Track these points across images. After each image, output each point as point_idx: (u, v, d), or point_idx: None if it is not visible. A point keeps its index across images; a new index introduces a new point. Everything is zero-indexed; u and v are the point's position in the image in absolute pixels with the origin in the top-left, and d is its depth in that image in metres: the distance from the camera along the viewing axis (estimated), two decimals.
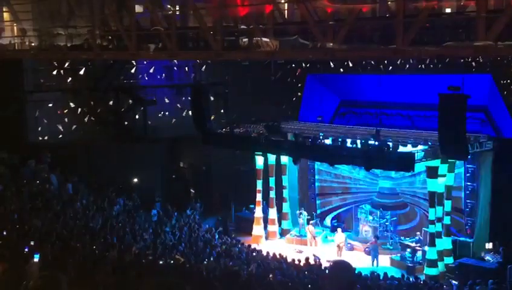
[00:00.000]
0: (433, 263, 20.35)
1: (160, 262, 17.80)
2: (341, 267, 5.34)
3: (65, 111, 27.27)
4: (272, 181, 25.60)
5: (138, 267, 16.31)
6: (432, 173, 20.33)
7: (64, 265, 15.64)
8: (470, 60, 24.63)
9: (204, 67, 29.44)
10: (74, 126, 27.44)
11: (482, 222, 21.96)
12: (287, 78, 30.12)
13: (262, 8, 17.32)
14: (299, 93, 28.45)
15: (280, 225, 26.09)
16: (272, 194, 25.66)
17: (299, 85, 28.89)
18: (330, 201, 26.77)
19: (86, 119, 27.75)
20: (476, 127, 21.90)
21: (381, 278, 18.03)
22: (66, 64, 26.84)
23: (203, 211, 26.81)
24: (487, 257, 20.91)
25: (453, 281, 19.32)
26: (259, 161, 25.09)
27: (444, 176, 20.68)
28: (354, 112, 26.66)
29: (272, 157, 25.20)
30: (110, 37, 21.44)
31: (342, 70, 28.38)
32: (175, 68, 29.34)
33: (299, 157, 23.21)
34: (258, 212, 25.34)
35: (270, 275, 16.86)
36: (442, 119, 17.32)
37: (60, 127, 27.22)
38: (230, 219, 26.60)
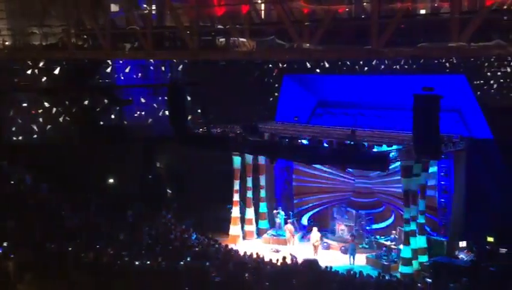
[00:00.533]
0: (408, 262, 20.57)
1: (136, 263, 17.72)
2: (308, 265, 5.41)
3: (40, 111, 26.98)
4: (249, 181, 25.64)
5: (114, 268, 16.24)
6: (407, 172, 20.55)
7: (39, 266, 15.50)
8: (443, 60, 24.94)
9: (181, 66, 29.36)
10: (49, 126, 27.16)
11: (455, 221, 22.25)
12: (263, 78, 30.17)
13: (239, 8, 17.36)
14: (276, 94, 28.51)
15: (257, 224, 26.14)
16: (249, 194, 25.70)
17: (276, 85, 28.94)
18: (307, 201, 26.90)
19: (61, 119, 27.49)
20: (450, 127, 22.16)
21: (357, 276, 18.16)
22: (41, 64, 26.56)
23: (179, 211, 26.72)
24: (461, 255, 21.22)
25: (428, 279, 19.55)
26: (237, 161, 25.11)
27: (418, 175, 20.93)
28: (330, 112, 26.81)
29: (249, 158, 25.23)
30: (85, 36, 21.28)
31: (318, 70, 28.52)
32: (151, 68, 29.21)
33: (276, 158, 23.28)
34: (235, 212, 25.36)
35: (246, 275, 16.90)
36: (416, 119, 17.53)
37: (35, 127, 26.93)
38: (208, 219, 26.54)
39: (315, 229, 23.83)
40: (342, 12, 17.34)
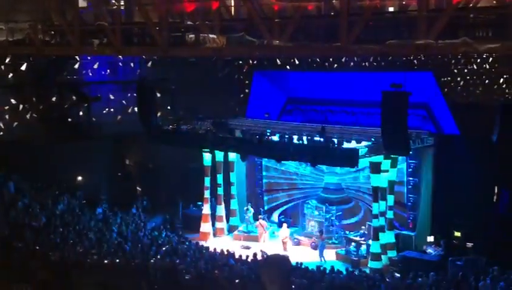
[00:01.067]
0: (377, 257, 20.79)
1: (106, 261, 17.58)
2: (276, 261, 5.44)
3: (6, 108, 26.49)
4: (219, 178, 25.60)
5: (82, 267, 16.08)
6: (375, 168, 20.77)
7: (6, 265, 15.26)
8: (411, 58, 25.22)
9: (150, 63, 29.13)
10: (16, 123, 26.68)
11: (423, 216, 22.58)
12: (234, 74, 30.13)
13: (209, 4, 17.28)
14: (247, 90, 28.51)
15: (228, 221, 26.14)
16: (220, 191, 25.66)
17: (247, 82, 28.94)
18: (277, 197, 27.00)
19: (28, 116, 27.03)
20: (418, 123, 22.48)
21: (327, 272, 18.31)
22: (7, 60, 26.06)
23: (149, 208, 26.56)
24: (429, 250, 21.52)
25: (396, 274, 19.79)
26: (207, 157, 25.05)
27: (386, 171, 21.17)
28: (300, 109, 26.93)
29: (219, 154, 25.19)
30: (52, 32, 20.96)
31: (288, 67, 28.60)
32: (120, 64, 28.90)
33: (247, 154, 23.29)
34: (206, 209, 25.31)
35: (216, 271, 16.90)
36: (384, 116, 17.71)
37: (1, 124, 26.42)
38: (178, 217, 26.43)
39: (284, 225, 23.93)
40: (312, 10, 17.40)
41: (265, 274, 5.19)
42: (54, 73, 27.23)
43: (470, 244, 20.90)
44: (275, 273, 5.09)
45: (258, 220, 24.98)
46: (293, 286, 15.57)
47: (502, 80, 34.38)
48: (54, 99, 27.68)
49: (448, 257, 20.21)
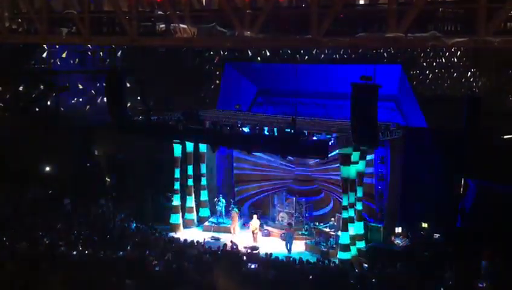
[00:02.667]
0: (345, 248, 20.98)
1: (74, 253, 17.41)
2: (226, 257, 5.47)
3: None
4: (190, 169, 25.49)
5: (50, 259, 15.88)
6: (345, 160, 20.92)
7: None
8: (381, 50, 25.47)
9: (119, 52, 28.83)
10: None
11: (391, 208, 22.85)
12: (205, 65, 30.04)
13: None
14: (217, 81, 28.45)
15: (198, 213, 26.07)
16: (190, 182, 25.56)
17: (217, 73, 28.88)
18: (248, 188, 27.02)
19: None
20: (387, 115, 22.69)
21: (296, 263, 18.43)
22: None
23: (118, 200, 26.33)
24: (396, 241, 21.81)
25: (365, 264, 20.02)
26: (177, 149, 24.89)
27: (356, 163, 21.35)
28: (271, 100, 26.95)
29: (190, 146, 25.07)
30: (19, 20, 20.54)
31: (259, 58, 28.61)
32: (89, 53, 28.55)
33: (217, 145, 23.24)
34: (176, 200, 25.19)
35: (186, 263, 16.87)
36: (354, 108, 17.84)
37: None
38: (147, 208, 26.25)
39: (255, 216, 23.98)
40: (283, 1, 17.39)
41: (218, 271, 5.22)
42: (21, 62, 26.76)
43: (436, 235, 21.26)
44: (226, 269, 5.12)
45: (230, 211, 24.97)
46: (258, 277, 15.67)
47: (469, 74, 34.96)
48: (21, 88, 27.24)
49: (415, 248, 20.51)
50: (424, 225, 21.81)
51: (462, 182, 21.96)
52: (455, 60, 37.19)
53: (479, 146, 20.57)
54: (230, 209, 25.12)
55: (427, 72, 33.25)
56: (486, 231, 19.54)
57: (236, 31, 15.02)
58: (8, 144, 25.08)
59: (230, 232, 24.24)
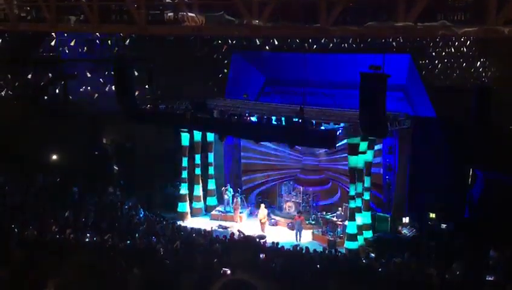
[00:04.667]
0: (353, 237, 21.00)
1: (87, 240, 17.50)
2: (245, 241, 5.48)
3: None
4: (197, 158, 25.52)
5: (58, 246, 15.98)
6: (353, 150, 20.88)
7: None
8: (390, 40, 25.33)
9: (128, 41, 28.82)
10: None
11: (399, 198, 22.84)
12: (213, 54, 29.97)
13: None
14: (225, 70, 28.38)
15: (205, 201, 26.15)
16: (198, 171, 25.61)
17: (225, 62, 28.81)
18: (255, 178, 27.04)
19: (3, 93, 26.64)
20: (395, 105, 22.61)
21: (303, 252, 18.47)
22: None
23: (126, 188, 26.42)
24: (404, 231, 21.81)
25: (372, 254, 20.04)
26: (185, 137, 24.91)
27: (364, 152, 21.31)
28: (278, 90, 26.90)
29: (197, 134, 25.09)
30: (28, 8, 20.55)
31: (267, 48, 28.52)
32: (97, 41, 28.55)
33: (225, 135, 23.25)
34: (184, 189, 25.26)
35: (194, 252, 16.92)
36: (363, 97, 17.77)
37: None
38: (155, 196, 26.35)
39: (262, 205, 24.02)
40: None
41: (233, 256, 5.24)
42: (29, 50, 26.81)
43: (444, 226, 21.23)
44: (242, 255, 5.14)
45: (234, 199, 25.04)
46: (266, 266, 15.71)
47: (478, 64, 34.69)
48: (29, 76, 27.31)
49: (422, 238, 20.51)
50: (432, 215, 21.78)
51: (471, 172, 21.91)
52: (465, 49, 36.97)
53: (488, 137, 20.48)
54: (233, 197, 25.13)
55: (436, 61, 33.02)
56: (494, 221, 19.51)
57: (244, 19, 14.97)
58: (17, 132, 25.17)
59: (238, 221, 24.30)
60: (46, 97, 27.85)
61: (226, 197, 25.45)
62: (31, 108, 26.86)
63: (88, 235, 18.05)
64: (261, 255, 17.34)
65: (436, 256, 17.85)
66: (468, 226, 20.88)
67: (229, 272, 13.26)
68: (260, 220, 23.61)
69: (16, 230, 17.62)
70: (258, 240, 20.79)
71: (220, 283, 4.20)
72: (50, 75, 27.62)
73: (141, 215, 22.75)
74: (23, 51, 26.65)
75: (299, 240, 22.26)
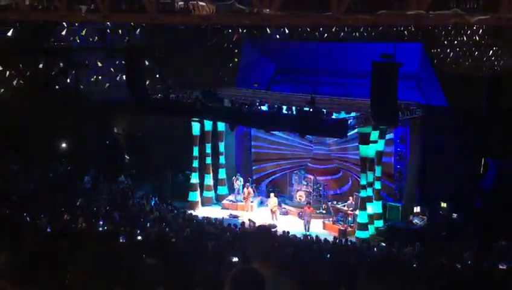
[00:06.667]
0: (363, 227, 20.99)
1: (100, 229, 17.58)
2: (262, 232, 5.46)
3: None
4: (208, 147, 25.56)
5: (71, 234, 16.05)
6: (364, 139, 20.80)
7: None
8: (402, 28, 25.18)
9: (138, 30, 28.82)
10: (2, 90, 26.42)
11: (410, 187, 22.75)
12: (223, 43, 29.92)
13: None
14: (236, 59, 28.34)
15: (216, 191, 26.19)
16: (208, 160, 25.64)
17: (236, 51, 28.76)
18: (265, 167, 27.04)
19: (14, 83, 26.77)
20: (407, 94, 22.46)
21: (314, 241, 18.49)
22: None
23: (138, 177, 26.54)
24: (415, 220, 21.75)
25: (383, 243, 20.01)
26: (196, 127, 24.94)
27: (375, 142, 21.21)
28: (289, 79, 26.83)
29: (208, 124, 25.10)
30: None
31: (278, 36, 28.43)
32: (108, 31, 28.57)
33: (236, 124, 23.24)
34: (194, 178, 25.31)
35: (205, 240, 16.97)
36: (374, 86, 17.69)
37: None
38: (166, 185, 26.45)
39: (272, 194, 24.03)
40: None
41: (250, 246, 5.22)
42: (40, 39, 26.89)
43: (455, 215, 21.16)
44: (259, 245, 5.12)
45: (244, 188, 25.06)
46: (279, 256, 15.68)
47: (491, 52, 34.42)
48: (40, 65, 27.40)
49: (434, 228, 20.45)
50: (443, 204, 21.69)
51: (483, 161, 21.78)
52: (477, 38, 36.66)
53: (500, 125, 20.34)
54: (244, 186, 25.15)
55: (448, 50, 32.80)
56: (506, 211, 19.41)
57: (255, 8, 14.92)
58: (29, 121, 25.31)
59: (249, 210, 24.34)
60: (57, 87, 27.96)
61: (236, 186, 25.48)
62: (42, 97, 26.98)
63: (100, 223, 18.16)
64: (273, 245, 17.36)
65: (447, 245, 17.79)
66: (479, 215, 20.79)
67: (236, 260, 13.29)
68: (271, 209, 23.64)
69: (28, 219, 17.75)
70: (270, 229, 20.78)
71: (230, 273, 4.19)
72: (61, 64, 27.70)
73: (152, 204, 22.85)
74: (34, 40, 26.73)
75: (308, 230, 22.24)
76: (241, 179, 25.57)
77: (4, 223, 16.10)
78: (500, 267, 15.24)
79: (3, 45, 26.13)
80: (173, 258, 14.69)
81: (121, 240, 15.98)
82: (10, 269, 4.87)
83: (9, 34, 26.06)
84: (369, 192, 21.38)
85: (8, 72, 26.45)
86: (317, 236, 19.06)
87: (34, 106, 26.16)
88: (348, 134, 20.27)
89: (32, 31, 26.45)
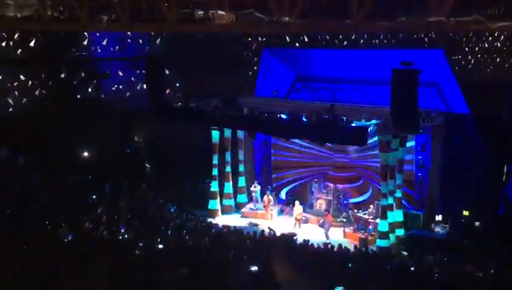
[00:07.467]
0: (384, 235, 20.80)
1: (120, 237, 17.69)
2: (284, 239, 5.46)
3: (15, 84, 26.56)
4: (227, 155, 25.59)
5: (91, 243, 16.18)
6: (384, 147, 20.66)
7: (15, 241, 15.37)
8: (422, 35, 25.04)
9: (159, 39, 29.03)
10: (25, 99, 26.77)
11: (432, 195, 22.52)
12: (243, 52, 30.00)
13: None
14: (255, 68, 28.37)
15: (236, 199, 26.19)
16: (228, 168, 25.67)
17: (255, 59, 28.80)
18: (285, 175, 26.98)
19: (37, 92, 27.10)
20: (428, 102, 22.27)
21: (334, 249, 18.37)
22: (16, 36, 26.07)
23: (158, 186, 26.63)
24: (436, 229, 21.51)
25: (404, 252, 19.82)
26: (215, 135, 24.99)
27: (396, 150, 21.06)
28: (309, 87, 26.77)
29: (227, 132, 25.14)
30: (61, 8, 20.89)
31: (297, 44, 28.43)
32: (129, 40, 28.84)
33: (255, 132, 23.24)
34: (214, 186, 25.35)
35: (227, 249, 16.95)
36: (394, 94, 17.58)
37: (10, 100, 26.51)
38: (186, 193, 26.50)
39: (297, 202, 23.94)
40: None
41: (273, 253, 5.23)
42: (62, 49, 27.22)
43: (478, 224, 20.88)
44: (282, 253, 5.13)
45: (265, 196, 25.02)
46: (300, 264, 15.64)
47: None
48: (62, 75, 27.72)
49: (456, 236, 20.21)
50: (465, 212, 21.43)
51: (505, 169, 21.50)
52: (498, 44, 36.30)
53: None
54: (264, 194, 25.11)
55: (469, 57, 32.52)
56: None
57: (274, 16, 14.95)
58: (50, 130, 25.59)
59: (269, 218, 24.28)
60: (79, 96, 28.25)
61: (254, 194, 25.46)
62: (64, 107, 27.27)
63: (122, 231, 18.27)
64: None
65: (470, 254, 17.56)
66: (502, 223, 20.49)
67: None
68: (295, 217, 23.56)
69: (49, 227, 17.91)
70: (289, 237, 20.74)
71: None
72: (83, 74, 28.00)
73: (172, 212, 22.90)
74: (56, 50, 27.06)
75: (328, 238, 22.11)
76: (259, 187, 25.54)
77: (25, 231, 16.27)
78: None
79: (26, 55, 26.49)
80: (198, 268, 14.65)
81: (139, 249, 16.02)
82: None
83: (32, 44, 26.41)
84: (390, 200, 21.20)
85: (30, 82, 26.79)
86: (339, 244, 18.93)
87: (56, 115, 26.47)
88: (368, 142, 20.15)
89: (54, 41, 26.78)
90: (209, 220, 23.54)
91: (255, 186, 25.55)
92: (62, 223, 18.19)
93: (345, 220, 23.46)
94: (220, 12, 16.09)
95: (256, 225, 23.65)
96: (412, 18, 13.33)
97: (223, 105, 23.37)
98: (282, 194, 26.81)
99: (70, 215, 19.40)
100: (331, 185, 24.42)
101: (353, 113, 20.86)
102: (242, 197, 26.24)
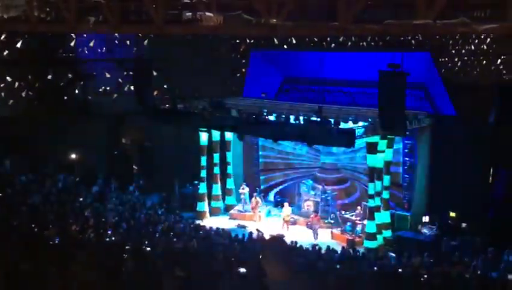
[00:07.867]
0: (372, 236, 20.90)
1: (107, 239, 17.59)
2: (275, 241, 5.48)
3: (1, 85, 26.35)
4: (216, 157, 25.58)
5: (78, 245, 16.06)
6: (372, 148, 20.77)
7: (3, 243, 15.23)
8: (409, 37, 25.12)
9: (146, 41, 28.93)
10: (11, 101, 26.57)
11: (419, 196, 22.65)
12: (230, 54, 29.96)
13: None
14: (243, 69, 28.37)
15: (224, 200, 26.19)
16: (216, 170, 25.66)
17: (243, 61, 28.78)
18: (273, 177, 27.03)
19: (23, 94, 26.90)
20: (415, 103, 22.43)
21: (322, 251, 18.40)
22: (2, 37, 25.88)
23: (146, 188, 26.55)
24: (424, 230, 21.63)
25: (391, 253, 19.90)
26: (203, 137, 24.98)
27: (383, 151, 21.18)
28: (297, 88, 26.83)
29: (216, 134, 25.14)
30: (48, 9, 20.76)
31: (285, 46, 28.44)
32: (116, 42, 28.70)
33: (243, 134, 23.25)
34: (202, 188, 25.32)
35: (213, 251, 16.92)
36: (382, 96, 17.66)
37: None
38: (174, 196, 26.45)
39: (286, 204, 23.98)
40: None
41: (264, 255, 5.24)
42: (49, 50, 27.05)
43: (464, 225, 21.02)
44: (274, 254, 5.14)
45: (252, 198, 25.03)
46: (291, 265, 15.62)
47: (499, 61, 34.27)
48: (49, 77, 27.54)
49: (443, 237, 20.33)
50: (452, 214, 21.58)
51: (492, 171, 21.65)
52: (485, 47, 36.50)
53: (509, 135, 20.23)
54: (252, 196, 25.12)
55: (456, 59, 32.64)
56: None
57: (262, 18, 14.97)
58: (37, 132, 25.43)
59: (258, 220, 24.30)
60: (65, 97, 28.08)
61: (242, 196, 25.47)
62: (50, 108, 27.09)
63: (109, 233, 18.16)
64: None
65: (456, 255, 17.66)
66: (488, 225, 20.64)
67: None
68: (283, 219, 23.59)
69: (36, 230, 17.78)
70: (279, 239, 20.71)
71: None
72: (70, 75, 27.84)
73: (160, 214, 22.83)
74: (43, 52, 26.89)
75: (316, 239, 22.18)
76: (247, 189, 25.55)
77: (13, 234, 16.13)
78: (510, 277, 15.12)
79: (13, 56, 26.30)
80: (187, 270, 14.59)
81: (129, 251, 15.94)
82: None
83: (19, 45, 26.23)
84: (377, 202, 21.31)
85: (17, 83, 26.59)
86: (327, 246, 18.97)
87: (43, 117, 26.29)
88: (356, 143, 20.22)
89: (41, 42, 26.61)
90: (197, 222, 23.51)
91: (243, 188, 25.56)
92: (49, 225, 18.07)
93: (332, 221, 23.53)
94: (207, 13, 16.07)
95: (244, 226, 23.65)
96: (399, 21, 13.40)
97: (210, 106, 23.36)
98: (271, 196, 26.83)
99: (57, 217, 19.28)
100: (319, 186, 24.48)
101: (341, 115, 20.94)
102: (231, 199, 26.24)
